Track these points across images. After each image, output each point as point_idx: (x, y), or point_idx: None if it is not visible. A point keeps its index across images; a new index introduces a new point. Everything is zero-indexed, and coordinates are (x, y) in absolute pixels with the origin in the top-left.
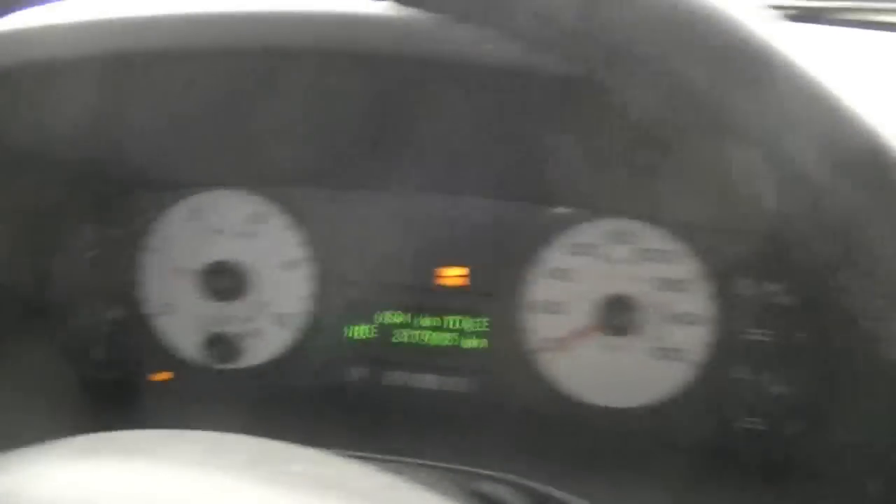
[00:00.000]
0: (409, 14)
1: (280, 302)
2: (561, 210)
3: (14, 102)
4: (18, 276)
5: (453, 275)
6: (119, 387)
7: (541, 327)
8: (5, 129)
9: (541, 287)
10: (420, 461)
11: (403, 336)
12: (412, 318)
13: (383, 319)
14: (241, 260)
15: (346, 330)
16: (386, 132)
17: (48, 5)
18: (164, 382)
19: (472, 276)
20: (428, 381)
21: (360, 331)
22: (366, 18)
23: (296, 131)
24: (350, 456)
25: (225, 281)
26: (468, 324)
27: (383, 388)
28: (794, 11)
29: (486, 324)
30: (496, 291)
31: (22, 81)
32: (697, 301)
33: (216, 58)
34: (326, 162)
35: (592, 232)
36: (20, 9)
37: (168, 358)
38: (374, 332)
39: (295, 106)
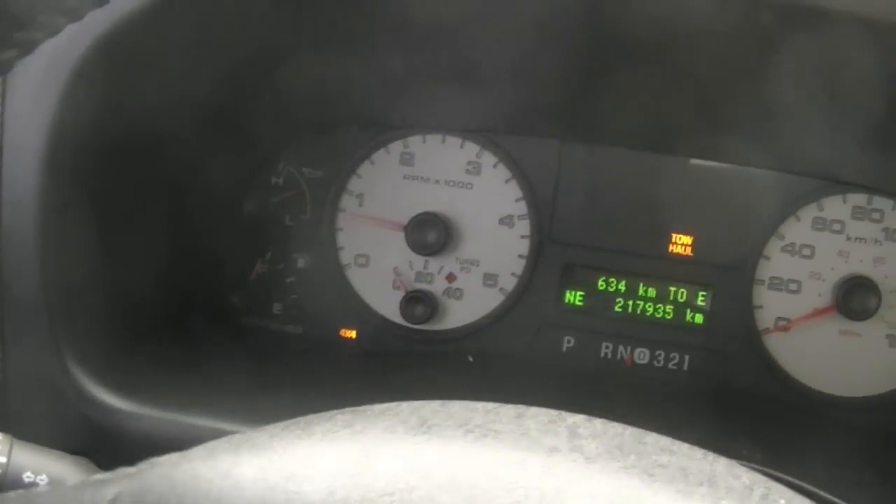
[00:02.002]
0: None
1: (491, 261)
2: (807, 181)
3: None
4: (201, 221)
5: (680, 243)
6: (303, 342)
7: (770, 305)
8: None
9: (774, 262)
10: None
11: (622, 305)
12: (634, 286)
13: (603, 286)
14: (452, 212)
15: (562, 296)
16: (623, 85)
17: None
18: (354, 339)
19: (697, 245)
20: (645, 354)
21: (577, 297)
22: None
23: (522, 75)
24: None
25: (432, 234)
26: (691, 296)
27: (598, 360)
28: None
29: (710, 297)
30: (725, 263)
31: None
32: None
33: None
34: (554, 110)
35: (838, 207)
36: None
37: (361, 313)
38: (592, 300)
39: (525, 49)
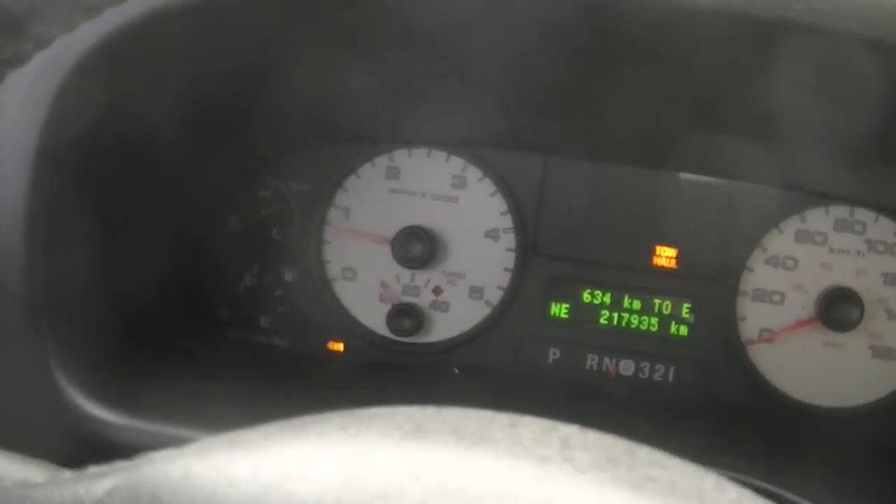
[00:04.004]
0: None
1: (477, 273)
2: (789, 193)
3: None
4: (189, 234)
5: (664, 255)
6: (290, 355)
7: (753, 316)
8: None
9: (758, 274)
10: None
11: (608, 318)
12: (619, 298)
13: (588, 299)
14: (438, 226)
15: (547, 308)
16: (607, 101)
17: None
18: (341, 352)
19: (681, 257)
20: (630, 366)
21: (562, 310)
22: None
23: (507, 91)
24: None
25: (418, 247)
26: (676, 308)
27: (584, 372)
28: None
29: (694, 309)
30: (709, 276)
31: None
32: None
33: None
34: (539, 126)
35: (820, 219)
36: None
37: (348, 326)
38: (578, 313)
39: (510, 65)
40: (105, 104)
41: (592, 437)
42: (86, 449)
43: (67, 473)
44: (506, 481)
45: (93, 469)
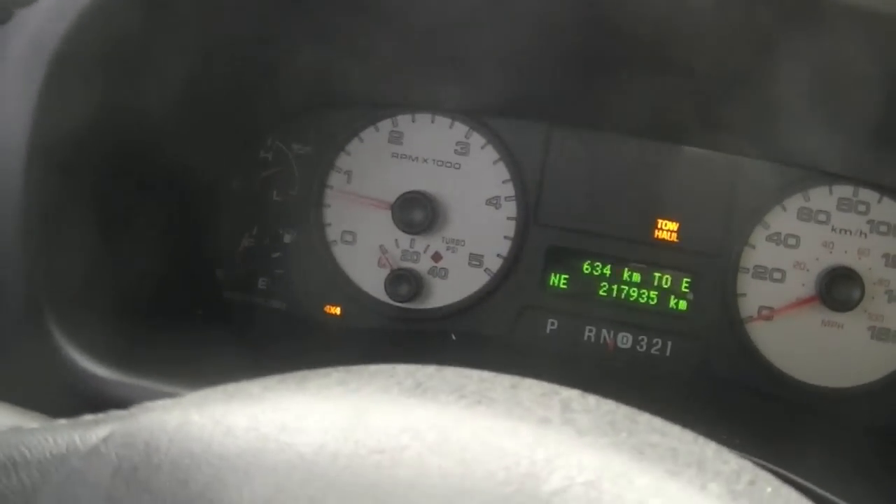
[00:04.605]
0: None
1: (477, 241)
2: (794, 171)
3: None
4: (188, 195)
5: (666, 229)
6: (287, 317)
7: (753, 293)
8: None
9: (759, 250)
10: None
11: (607, 290)
12: (619, 271)
13: (588, 270)
14: (439, 192)
15: (546, 278)
16: (615, 73)
17: None
18: (338, 316)
19: (683, 231)
20: (628, 339)
21: (562, 280)
22: None
23: (515, 59)
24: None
25: (418, 213)
26: (675, 283)
27: (581, 343)
28: None
29: (694, 284)
30: (710, 251)
31: None
32: None
33: None
34: (545, 95)
35: (824, 198)
36: None
37: (346, 290)
38: (577, 284)
39: (519, 35)
40: (99, 81)
41: (594, 401)
42: (84, 406)
43: (62, 421)
44: (506, 441)
45: (88, 417)
